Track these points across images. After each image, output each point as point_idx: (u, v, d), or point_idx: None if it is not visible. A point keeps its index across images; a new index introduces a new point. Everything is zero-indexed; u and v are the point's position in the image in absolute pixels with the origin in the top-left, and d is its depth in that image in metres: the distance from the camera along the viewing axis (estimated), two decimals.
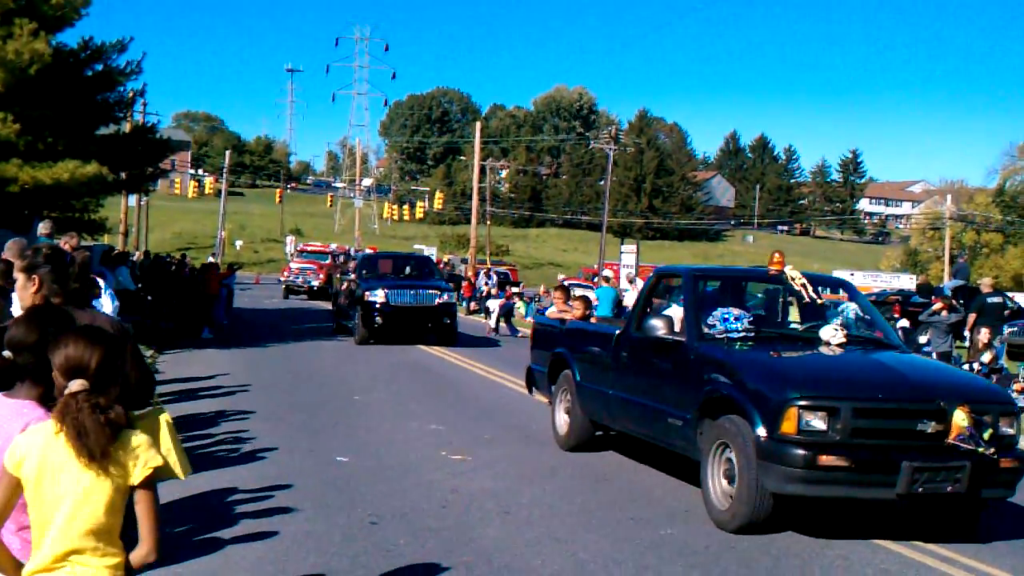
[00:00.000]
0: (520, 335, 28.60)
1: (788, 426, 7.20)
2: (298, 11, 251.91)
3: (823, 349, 8.61)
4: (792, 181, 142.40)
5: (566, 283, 30.54)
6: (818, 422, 7.20)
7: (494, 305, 31.03)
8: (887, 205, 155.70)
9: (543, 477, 9.42)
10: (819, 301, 9.46)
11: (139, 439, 3.19)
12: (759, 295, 10.74)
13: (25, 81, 18.11)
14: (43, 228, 12.32)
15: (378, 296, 22.37)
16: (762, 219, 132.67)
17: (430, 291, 23.19)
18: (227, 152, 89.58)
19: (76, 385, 3.14)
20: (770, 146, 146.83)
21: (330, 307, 39.26)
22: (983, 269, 63.50)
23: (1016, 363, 20.12)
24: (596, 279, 37.60)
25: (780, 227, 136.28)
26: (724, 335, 8.61)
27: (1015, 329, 24.11)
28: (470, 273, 45.36)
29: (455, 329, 23.81)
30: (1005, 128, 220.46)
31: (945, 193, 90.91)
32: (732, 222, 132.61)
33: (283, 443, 10.44)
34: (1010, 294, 38.74)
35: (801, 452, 7.13)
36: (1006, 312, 19.80)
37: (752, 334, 8.69)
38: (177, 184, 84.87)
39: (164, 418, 4.47)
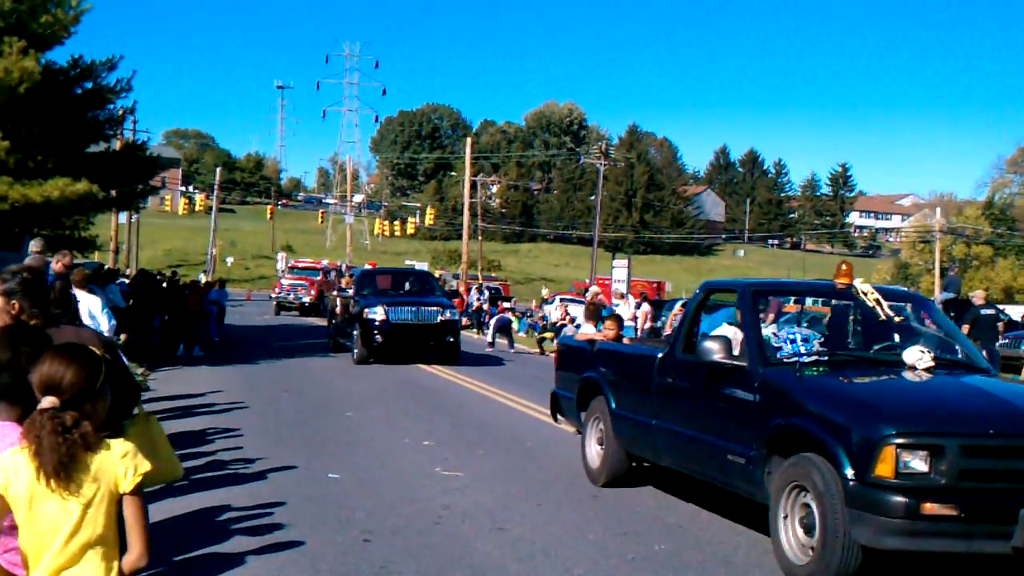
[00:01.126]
0: (513, 350, 28.62)
1: (883, 468, 6.12)
2: (288, 28, 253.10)
3: (909, 375, 7.46)
4: (782, 195, 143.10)
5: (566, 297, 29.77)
6: (919, 463, 6.13)
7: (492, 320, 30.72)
8: (877, 219, 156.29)
9: (536, 492, 9.39)
10: (896, 319, 8.35)
11: (124, 447, 3.19)
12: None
13: (15, 99, 18.11)
14: (34, 246, 12.30)
15: (377, 313, 21.59)
16: (752, 233, 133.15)
17: (432, 308, 22.35)
18: (217, 169, 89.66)
19: (46, 403, 3.14)
20: (760, 160, 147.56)
21: (321, 323, 39.35)
22: (973, 281, 63.75)
23: (1010, 376, 20.15)
24: (587, 294, 37.43)
25: (771, 241, 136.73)
26: (793, 359, 7.56)
27: (1007, 341, 24.17)
28: (462, 288, 45.40)
29: (458, 347, 22.98)
30: (993, 141, 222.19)
31: (934, 206, 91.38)
32: (723, 236, 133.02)
33: (275, 460, 10.40)
34: (1001, 306, 38.84)
35: (900, 499, 6.06)
36: (999, 324, 19.83)
37: (825, 357, 7.68)
38: (167, 201, 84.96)
39: (153, 420, 4.50)
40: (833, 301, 9.49)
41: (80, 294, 10.99)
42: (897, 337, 8.24)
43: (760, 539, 7.81)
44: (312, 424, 13.27)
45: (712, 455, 7.89)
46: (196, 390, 16.26)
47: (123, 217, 51.43)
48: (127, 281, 26.07)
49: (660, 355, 8.87)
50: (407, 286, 24.50)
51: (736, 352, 7.78)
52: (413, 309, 22.08)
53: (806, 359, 7.58)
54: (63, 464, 3.05)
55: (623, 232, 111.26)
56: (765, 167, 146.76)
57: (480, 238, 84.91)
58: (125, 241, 57.36)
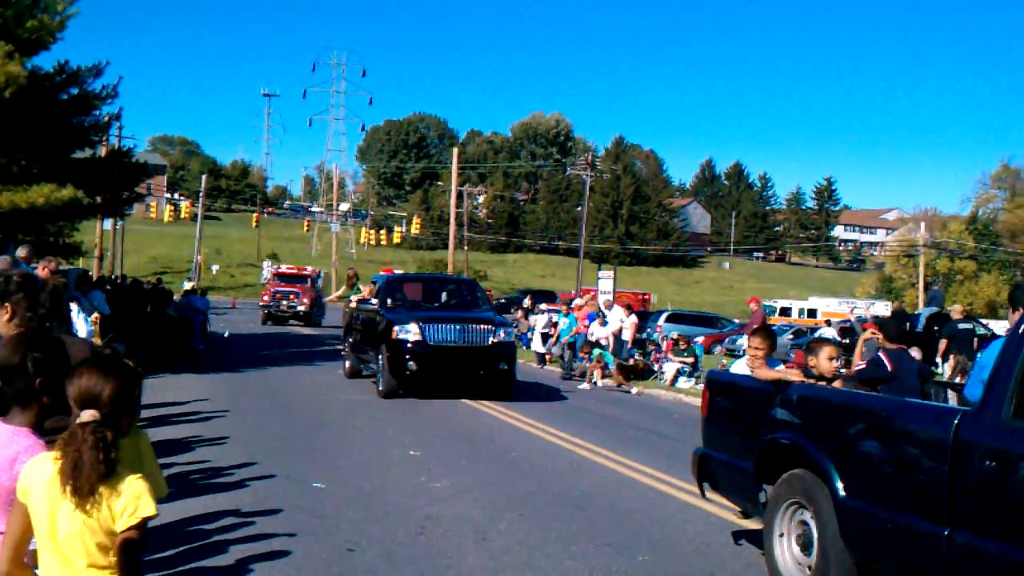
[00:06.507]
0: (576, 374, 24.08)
1: None
2: (275, 36, 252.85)
3: None
4: (767, 208, 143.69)
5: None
6: None
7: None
8: (861, 232, 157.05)
9: (521, 503, 9.37)
10: None
11: (134, 485, 3.08)
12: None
13: (0, 104, 18.04)
14: (21, 252, 12.23)
15: (410, 333, 17.26)
16: (738, 246, 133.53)
17: (481, 326, 17.78)
18: (203, 176, 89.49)
19: (87, 416, 3.06)
20: (745, 173, 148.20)
21: (309, 331, 39.11)
22: (957, 296, 64.10)
23: None
24: (573, 304, 37.21)
25: (756, 254, 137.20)
26: None
27: None
28: None
29: (513, 377, 18.25)
30: (978, 157, 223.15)
31: (919, 221, 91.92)
32: (708, 248, 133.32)
33: (260, 469, 10.36)
34: (984, 321, 39.06)
35: None
36: (974, 339, 19.93)
37: None
38: (153, 208, 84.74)
39: (144, 435, 4.48)
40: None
41: None
42: None
43: (743, 551, 7.82)
44: (295, 433, 13.23)
45: None
46: (181, 398, 16.20)
47: (108, 224, 51.22)
48: (108, 287, 25.96)
49: (958, 420, 5.29)
50: (444, 297, 20.13)
51: None
52: (457, 328, 17.61)
53: None
54: (98, 483, 2.99)
55: (609, 243, 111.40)
56: (750, 180, 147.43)
57: (466, 248, 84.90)
58: (110, 248, 57.11)
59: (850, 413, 6.28)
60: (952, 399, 7.54)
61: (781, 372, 7.21)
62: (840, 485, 6.01)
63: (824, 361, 7.14)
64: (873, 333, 7.87)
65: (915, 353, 17.61)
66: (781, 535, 6.71)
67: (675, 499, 9.73)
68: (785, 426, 6.78)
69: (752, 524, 7.96)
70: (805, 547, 6.46)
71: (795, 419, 6.72)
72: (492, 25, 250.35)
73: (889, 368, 8.20)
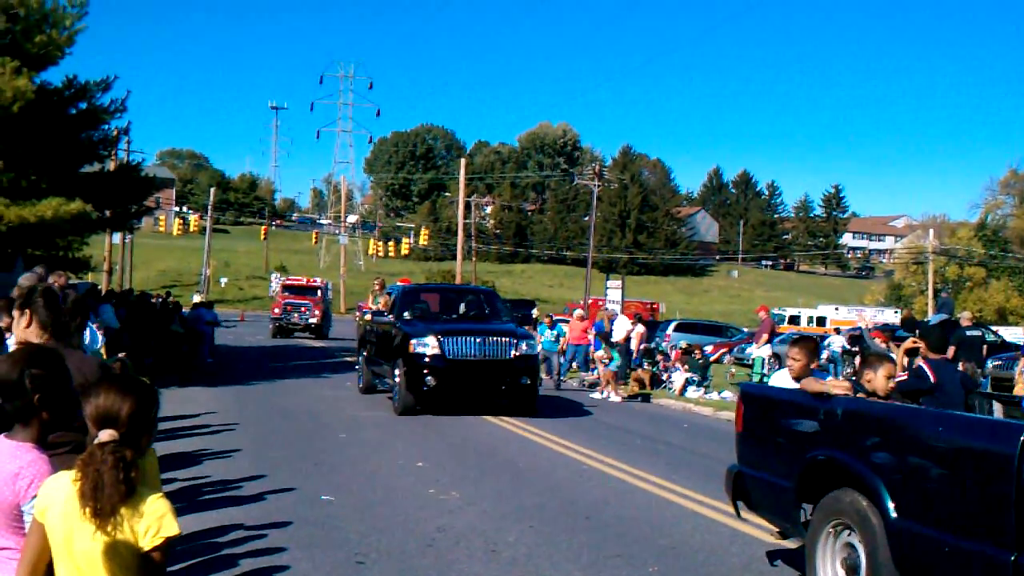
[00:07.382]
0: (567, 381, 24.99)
1: None
2: (282, 49, 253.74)
3: None
4: (775, 216, 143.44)
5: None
6: None
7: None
8: (870, 240, 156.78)
9: (530, 514, 9.35)
10: None
11: (156, 504, 3.07)
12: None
13: (8, 119, 18.13)
14: (38, 270, 12.30)
15: (428, 346, 16.55)
16: (746, 254, 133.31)
17: (502, 338, 17.03)
18: (212, 189, 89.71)
19: (105, 436, 3.06)
20: (753, 182, 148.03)
21: (319, 344, 39.09)
22: (966, 303, 63.94)
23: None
24: (575, 313, 37.05)
25: (764, 262, 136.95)
26: None
27: (1000, 363, 24.20)
28: None
29: (536, 392, 17.57)
30: (986, 163, 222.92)
31: (927, 227, 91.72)
32: (717, 257, 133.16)
33: (269, 482, 10.36)
34: (994, 327, 38.96)
35: None
36: (984, 345, 19.92)
37: None
38: (162, 222, 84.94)
39: (151, 456, 4.49)
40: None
41: None
42: None
43: (753, 561, 7.79)
44: (304, 445, 13.23)
45: None
46: (189, 411, 16.21)
47: (117, 238, 51.38)
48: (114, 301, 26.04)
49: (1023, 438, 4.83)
50: (463, 308, 19.08)
51: None
52: (477, 340, 16.86)
53: None
54: (119, 504, 2.97)
55: (617, 253, 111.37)
56: (758, 188, 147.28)
57: (474, 259, 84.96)
58: (119, 262, 57.28)
59: (902, 428, 5.82)
60: (998, 411, 7.32)
61: (828, 385, 6.75)
62: (891, 505, 5.58)
63: (882, 378, 6.73)
64: (914, 342, 7.44)
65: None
66: (825, 557, 6.23)
67: (683, 508, 9.70)
68: (829, 442, 6.36)
69: (789, 544, 7.63)
70: (851, 571, 6.00)
71: (840, 434, 6.29)
72: (498, 36, 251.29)
73: (932, 379, 7.75)
